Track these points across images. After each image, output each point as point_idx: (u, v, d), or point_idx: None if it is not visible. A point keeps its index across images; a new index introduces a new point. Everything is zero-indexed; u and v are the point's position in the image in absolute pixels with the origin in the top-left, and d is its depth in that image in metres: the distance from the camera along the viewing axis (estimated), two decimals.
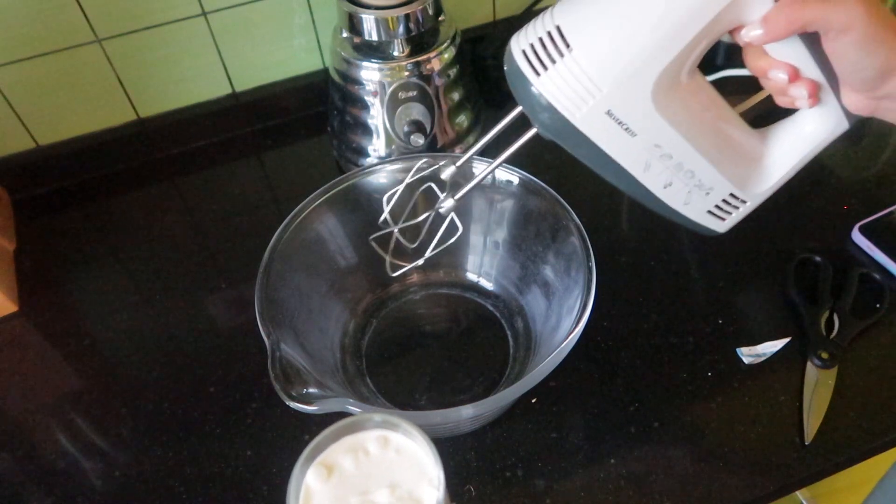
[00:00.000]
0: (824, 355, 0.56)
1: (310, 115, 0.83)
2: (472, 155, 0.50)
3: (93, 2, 0.68)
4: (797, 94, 0.41)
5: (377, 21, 0.64)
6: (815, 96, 0.41)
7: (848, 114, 0.43)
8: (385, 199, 0.52)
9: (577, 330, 0.47)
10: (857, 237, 0.65)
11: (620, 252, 0.67)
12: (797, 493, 0.76)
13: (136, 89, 0.76)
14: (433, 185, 0.53)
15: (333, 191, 0.57)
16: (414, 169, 0.53)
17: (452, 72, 0.69)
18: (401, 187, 0.52)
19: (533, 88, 0.40)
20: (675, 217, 0.48)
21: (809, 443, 0.52)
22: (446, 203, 0.49)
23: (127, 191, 0.78)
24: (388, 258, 0.53)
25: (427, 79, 0.67)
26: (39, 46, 0.69)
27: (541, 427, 0.55)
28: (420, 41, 0.67)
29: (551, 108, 0.40)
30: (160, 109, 0.79)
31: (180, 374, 0.61)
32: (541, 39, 0.40)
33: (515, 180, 0.57)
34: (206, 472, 0.54)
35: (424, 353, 0.61)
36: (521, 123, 0.44)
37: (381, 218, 0.53)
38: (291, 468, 0.35)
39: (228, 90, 0.81)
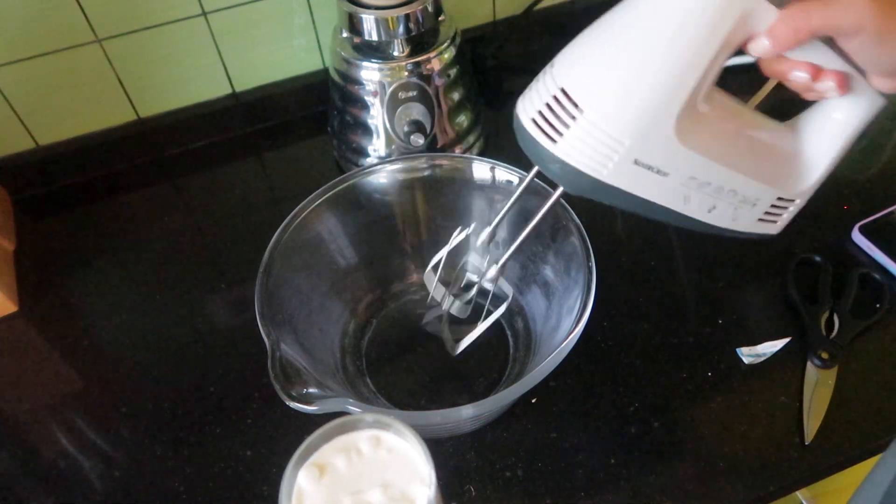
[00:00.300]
0: (824, 355, 0.56)
1: (310, 115, 0.83)
2: (500, 221, 0.50)
3: (93, 2, 0.68)
4: (825, 88, 0.40)
5: (377, 21, 0.64)
6: (845, 86, 0.39)
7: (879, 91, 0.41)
8: (426, 277, 0.53)
9: (577, 330, 0.47)
10: (857, 237, 0.65)
11: (620, 252, 0.67)
12: (797, 493, 0.76)
13: (136, 89, 0.76)
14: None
15: (333, 191, 0.57)
16: (452, 238, 0.53)
17: (452, 72, 0.69)
18: (442, 256, 0.52)
19: (553, 155, 0.39)
20: (725, 233, 0.46)
21: (809, 443, 0.52)
22: (490, 272, 0.49)
23: (127, 191, 0.78)
24: (448, 339, 0.53)
25: (427, 79, 0.67)
26: (39, 46, 0.69)
27: (541, 427, 0.55)
28: (420, 41, 0.67)
29: (577, 172, 0.39)
30: (160, 109, 0.79)
31: (180, 374, 0.61)
32: (548, 105, 0.39)
33: (515, 180, 0.57)
34: (206, 472, 0.54)
35: (424, 352, 0.61)
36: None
37: (429, 298, 0.53)
38: None
39: (228, 90, 0.81)
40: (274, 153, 0.81)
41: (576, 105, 0.38)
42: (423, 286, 0.65)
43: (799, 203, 0.47)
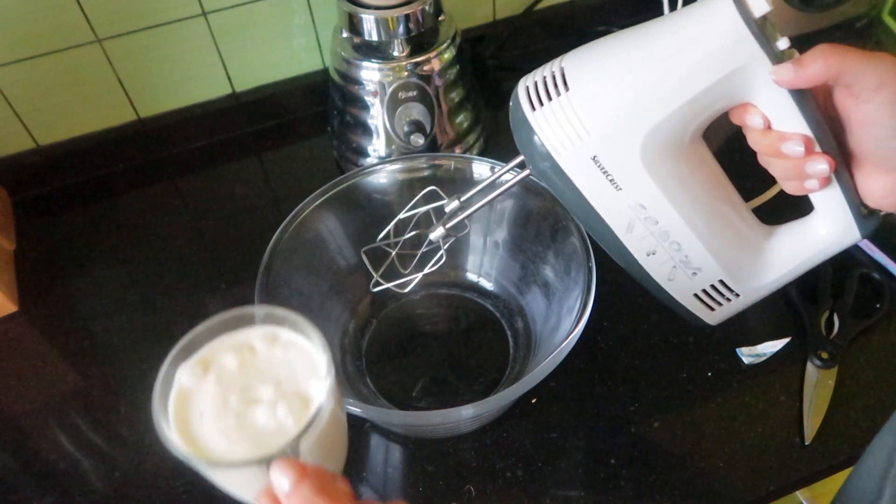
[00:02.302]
0: (824, 355, 0.56)
1: (310, 115, 0.83)
2: (474, 193, 0.50)
3: (93, 2, 0.68)
4: (814, 171, 0.38)
5: (377, 21, 0.64)
6: (833, 170, 0.38)
7: (862, 222, 0.41)
8: (394, 224, 0.53)
9: (577, 330, 0.47)
10: None
11: None
12: (797, 493, 0.76)
13: (136, 89, 0.76)
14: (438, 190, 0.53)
15: (333, 191, 0.57)
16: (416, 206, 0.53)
17: (452, 72, 0.69)
18: (408, 213, 0.52)
19: (527, 122, 0.41)
20: (662, 296, 0.47)
21: (809, 443, 0.52)
22: (437, 231, 0.50)
23: (127, 191, 0.78)
24: (376, 275, 0.53)
25: (427, 79, 0.67)
26: (39, 46, 0.69)
27: (541, 427, 0.55)
28: (420, 41, 0.67)
29: (540, 144, 0.41)
30: (160, 109, 0.79)
31: None
32: (544, 78, 0.41)
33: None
34: None
35: (424, 353, 0.61)
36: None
37: (382, 234, 0.53)
38: None
39: (228, 90, 0.81)
40: (274, 153, 0.81)
41: (565, 84, 0.40)
42: (423, 286, 0.65)
43: (742, 301, 0.47)
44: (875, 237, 0.64)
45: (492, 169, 0.58)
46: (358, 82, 0.68)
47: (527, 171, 0.45)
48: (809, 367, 0.57)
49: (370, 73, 0.67)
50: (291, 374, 0.33)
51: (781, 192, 0.44)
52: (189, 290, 0.67)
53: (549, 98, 0.40)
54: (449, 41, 0.68)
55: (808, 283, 0.62)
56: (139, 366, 0.62)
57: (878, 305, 0.60)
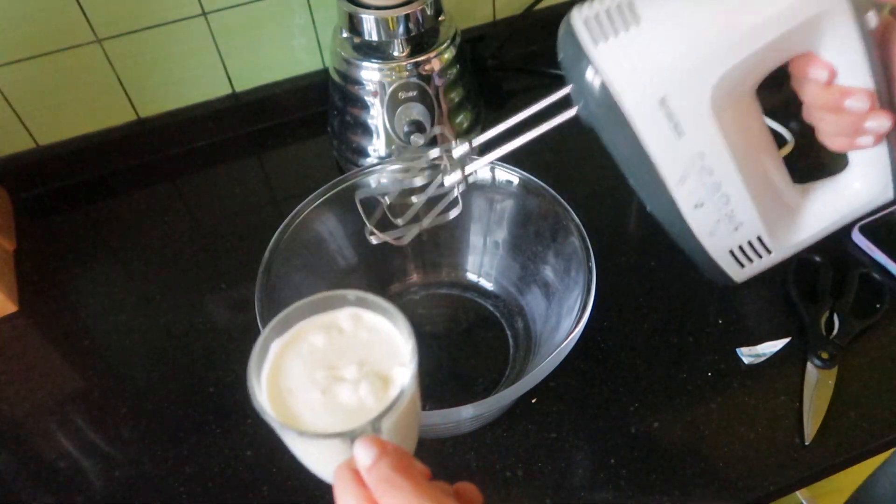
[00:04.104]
0: (824, 355, 0.56)
1: (310, 115, 0.83)
2: (494, 135, 0.44)
3: (93, 2, 0.68)
4: (874, 127, 0.37)
5: (377, 21, 0.64)
6: (894, 126, 0.37)
7: None
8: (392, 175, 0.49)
9: (577, 330, 0.47)
10: (857, 237, 0.65)
11: (620, 252, 0.67)
12: (797, 493, 0.76)
13: (136, 89, 0.76)
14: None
15: (333, 191, 0.57)
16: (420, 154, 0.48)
17: (452, 72, 0.69)
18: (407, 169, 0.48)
19: (588, 58, 0.37)
20: (696, 253, 0.45)
21: (809, 443, 0.52)
22: (453, 175, 0.44)
23: (127, 191, 0.78)
24: (369, 224, 0.48)
25: (427, 79, 0.67)
26: (39, 46, 0.69)
27: (541, 427, 0.55)
28: (420, 41, 0.67)
29: (602, 86, 0.37)
30: (160, 109, 0.79)
31: (180, 375, 0.61)
32: (608, 10, 0.37)
33: (515, 180, 0.57)
34: (206, 472, 0.54)
35: (424, 353, 0.60)
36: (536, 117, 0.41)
37: (379, 182, 0.50)
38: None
39: (228, 90, 0.81)
40: (274, 153, 0.81)
41: (636, 17, 0.36)
42: (423, 286, 0.65)
43: (773, 258, 0.46)
44: (875, 237, 0.64)
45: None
46: (358, 82, 0.68)
47: (570, 111, 0.40)
48: (809, 367, 0.57)
49: (370, 73, 0.67)
50: (374, 355, 0.35)
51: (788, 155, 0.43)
52: (189, 289, 0.67)
53: (616, 32, 0.36)
54: (449, 41, 0.68)
55: (808, 283, 0.62)
56: (139, 366, 0.62)
57: (878, 305, 0.60)
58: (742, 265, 0.46)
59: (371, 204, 0.50)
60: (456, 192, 0.46)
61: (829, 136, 0.40)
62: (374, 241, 0.48)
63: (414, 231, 0.48)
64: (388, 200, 0.49)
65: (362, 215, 0.49)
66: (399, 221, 0.48)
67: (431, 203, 0.47)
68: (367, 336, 0.36)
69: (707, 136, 0.39)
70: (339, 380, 0.34)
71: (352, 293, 0.36)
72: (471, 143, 0.45)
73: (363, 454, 0.30)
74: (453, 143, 0.46)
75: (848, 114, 0.38)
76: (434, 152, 0.47)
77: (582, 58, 0.37)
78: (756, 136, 0.42)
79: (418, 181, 0.46)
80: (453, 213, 0.49)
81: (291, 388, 0.34)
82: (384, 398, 0.33)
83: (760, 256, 0.46)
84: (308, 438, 0.31)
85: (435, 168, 0.47)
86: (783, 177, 0.45)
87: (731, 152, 0.40)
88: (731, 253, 0.45)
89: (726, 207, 0.42)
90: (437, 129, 0.68)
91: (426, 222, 0.47)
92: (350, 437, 0.31)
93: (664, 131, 0.38)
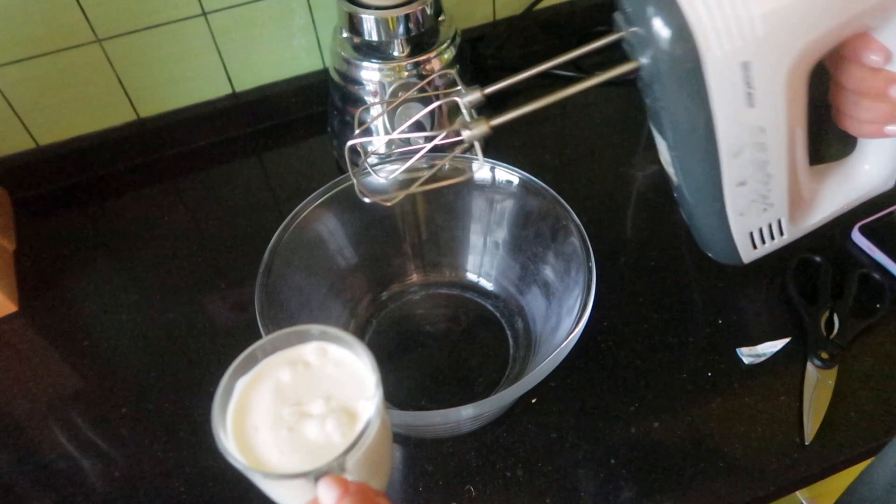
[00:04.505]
0: (824, 355, 0.56)
1: (310, 115, 0.83)
2: (523, 77, 0.41)
3: (93, 2, 0.68)
4: None
5: (377, 21, 0.64)
6: None
7: None
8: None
9: (577, 330, 0.47)
10: (857, 237, 0.65)
11: (620, 252, 0.67)
12: (797, 493, 0.76)
13: (136, 89, 0.76)
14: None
15: (333, 191, 0.57)
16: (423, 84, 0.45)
17: (452, 72, 0.69)
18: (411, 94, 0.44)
19: (677, 4, 0.33)
20: (715, 229, 0.44)
21: (809, 443, 0.52)
22: (475, 128, 0.39)
23: (127, 191, 0.78)
24: (355, 180, 0.45)
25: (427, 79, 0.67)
26: (39, 46, 0.69)
27: (541, 427, 0.55)
28: (420, 41, 0.67)
29: (685, 36, 0.34)
30: (160, 109, 0.79)
31: (180, 375, 0.61)
32: None
33: (515, 180, 0.57)
34: (206, 471, 0.54)
35: (424, 353, 0.61)
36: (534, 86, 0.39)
37: (370, 119, 0.47)
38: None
39: (228, 90, 0.81)
40: (274, 153, 0.81)
41: None
42: (423, 286, 0.65)
43: (783, 240, 0.46)
44: (875, 237, 0.64)
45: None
46: (358, 82, 0.68)
47: (632, 65, 0.37)
48: (809, 367, 0.57)
49: (370, 73, 0.67)
50: (340, 389, 0.35)
51: None
52: (189, 290, 0.67)
53: None
54: (449, 41, 0.68)
55: (808, 283, 0.62)
56: (139, 366, 0.62)
57: (878, 305, 0.60)
58: (755, 247, 0.46)
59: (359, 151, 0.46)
60: (477, 149, 0.42)
61: (858, 121, 0.39)
62: (366, 199, 0.46)
63: (402, 193, 0.44)
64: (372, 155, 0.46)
65: (348, 167, 0.47)
66: (383, 173, 0.45)
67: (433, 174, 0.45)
68: (334, 370, 0.36)
69: (774, 111, 0.37)
70: (305, 416, 0.33)
71: (316, 328, 0.36)
72: (482, 91, 0.41)
73: (325, 495, 0.30)
74: (461, 89, 0.41)
75: (890, 102, 0.36)
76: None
77: (664, 1, 0.34)
78: (803, 120, 0.41)
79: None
80: (469, 173, 0.44)
81: (258, 425, 0.34)
82: (350, 433, 0.33)
83: (773, 238, 0.45)
84: (273, 479, 0.31)
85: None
86: (807, 163, 0.44)
87: (787, 132, 0.39)
88: (750, 234, 0.45)
89: (764, 188, 0.41)
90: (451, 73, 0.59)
91: (415, 187, 0.44)
92: (314, 476, 0.30)
93: (738, 98, 0.36)
